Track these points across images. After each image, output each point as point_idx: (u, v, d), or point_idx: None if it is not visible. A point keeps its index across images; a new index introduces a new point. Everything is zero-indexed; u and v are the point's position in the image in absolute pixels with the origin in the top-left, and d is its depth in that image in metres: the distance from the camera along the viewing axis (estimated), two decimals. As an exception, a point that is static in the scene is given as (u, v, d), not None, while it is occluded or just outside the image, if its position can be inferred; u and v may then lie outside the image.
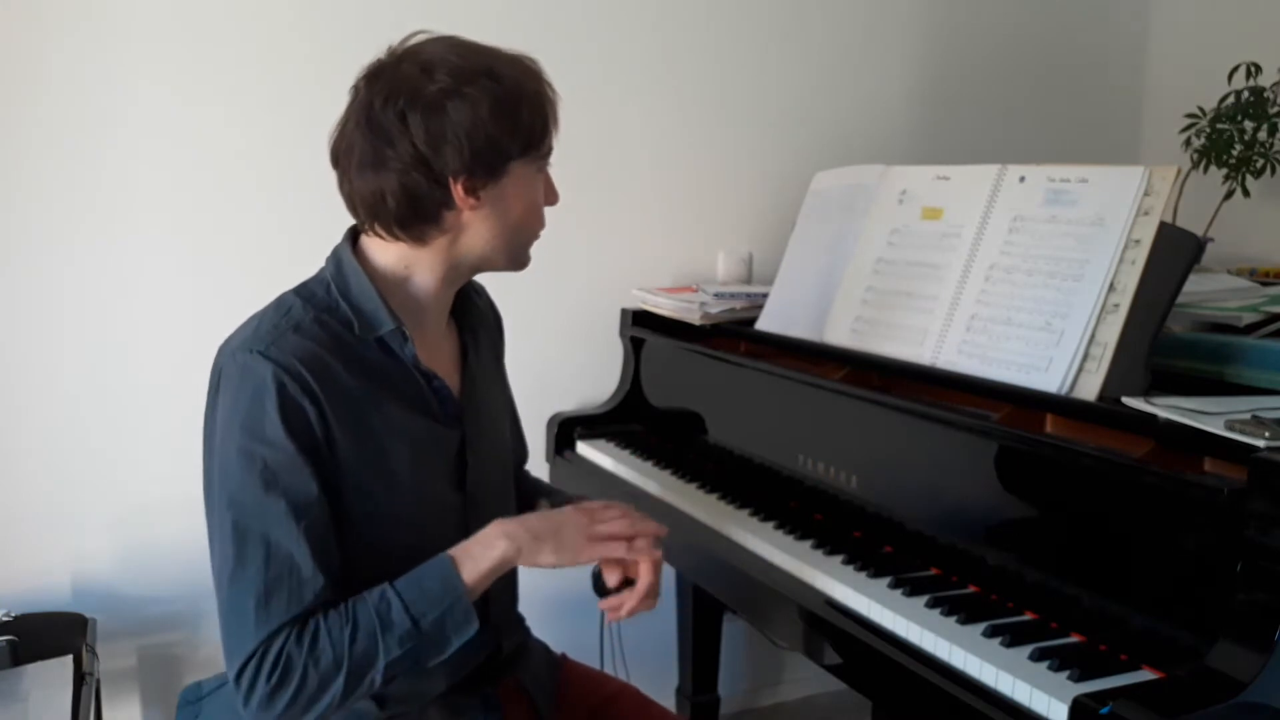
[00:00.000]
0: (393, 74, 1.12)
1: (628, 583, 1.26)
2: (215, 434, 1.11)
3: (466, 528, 1.20)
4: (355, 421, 1.12)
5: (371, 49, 1.17)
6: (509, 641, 1.33)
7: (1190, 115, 2.26)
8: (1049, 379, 1.38)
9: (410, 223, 1.14)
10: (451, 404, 1.23)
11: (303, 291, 1.17)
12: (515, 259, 1.23)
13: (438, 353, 1.25)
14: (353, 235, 1.21)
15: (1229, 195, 2.21)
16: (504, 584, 1.32)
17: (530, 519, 1.17)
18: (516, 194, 1.17)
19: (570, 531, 1.17)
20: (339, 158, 1.16)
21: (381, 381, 1.15)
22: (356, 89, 1.14)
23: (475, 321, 1.33)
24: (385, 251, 1.18)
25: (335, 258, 1.20)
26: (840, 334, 1.72)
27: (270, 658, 1.04)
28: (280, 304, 1.16)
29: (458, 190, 1.12)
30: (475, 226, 1.17)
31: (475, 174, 1.12)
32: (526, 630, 1.41)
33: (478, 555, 1.13)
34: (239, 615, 1.06)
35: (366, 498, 1.13)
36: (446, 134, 1.09)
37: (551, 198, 1.24)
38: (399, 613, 1.07)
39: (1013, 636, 1.19)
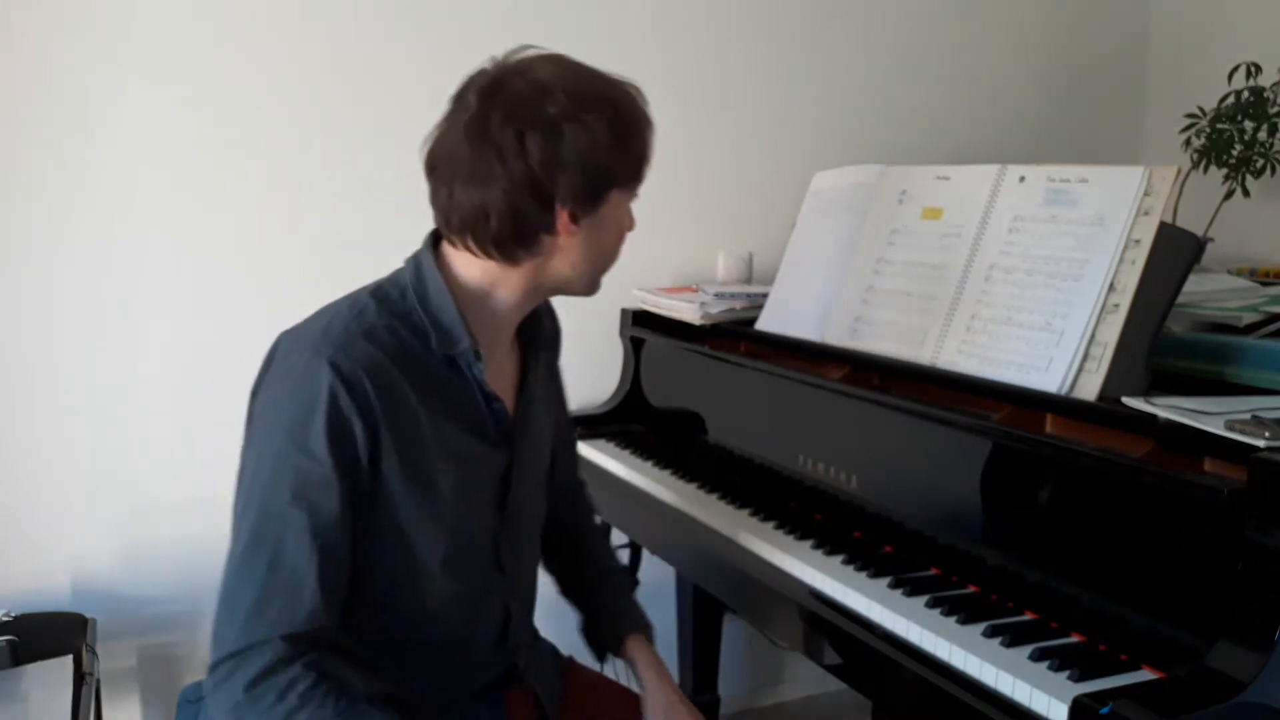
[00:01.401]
0: (509, 91, 1.09)
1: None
2: (259, 423, 1.10)
3: (497, 546, 1.22)
4: (409, 437, 1.10)
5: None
6: (524, 658, 1.33)
7: (1190, 115, 2.26)
8: (1049, 379, 1.38)
9: (507, 243, 1.11)
10: (505, 426, 1.21)
11: (378, 294, 1.15)
12: (593, 285, 1.22)
13: (500, 373, 1.23)
14: (433, 241, 1.18)
15: (1229, 195, 2.21)
16: (524, 605, 1.33)
17: None
18: (611, 222, 1.17)
19: None
20: (438, 167, 1.13)
21: (442, 398, 1.13)
22: (465, 100, 1.11)
23: (539, 340, 1.30)
24: (470, 266, 1.15)
25: (415, 262, 1.17)
26: (840, 334, 1.72)
27: (252, 668, 1.01)
28: (354, 304, 1.13)
29: (563, 217, 1.11)
30: (567, 252, 1.15)
31: (581, 202, 1.11)
32: (536, 635, 1.41)
33: None
34: (232, 608, 1.04)
35: (405, 510, 1.11)
36: (563, 159, 1.07)
37: (630, 223, 1.21)
38: None
39: (1013, 636, 1.19)
